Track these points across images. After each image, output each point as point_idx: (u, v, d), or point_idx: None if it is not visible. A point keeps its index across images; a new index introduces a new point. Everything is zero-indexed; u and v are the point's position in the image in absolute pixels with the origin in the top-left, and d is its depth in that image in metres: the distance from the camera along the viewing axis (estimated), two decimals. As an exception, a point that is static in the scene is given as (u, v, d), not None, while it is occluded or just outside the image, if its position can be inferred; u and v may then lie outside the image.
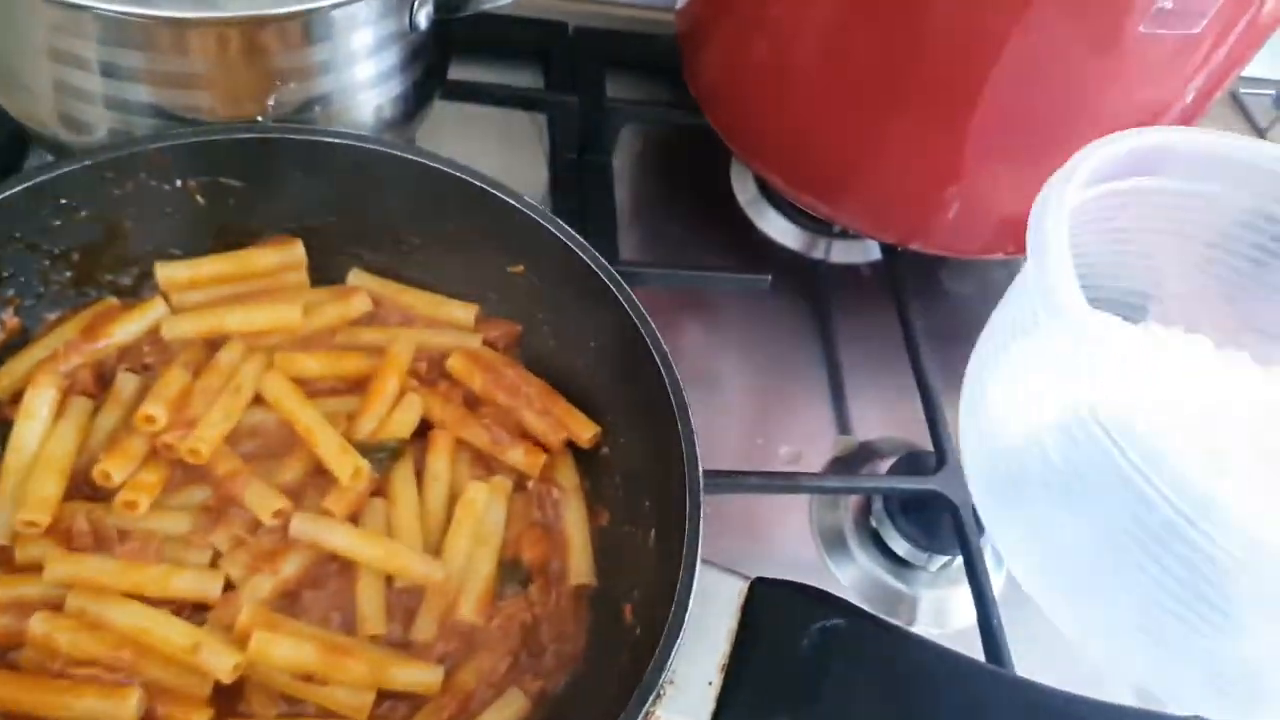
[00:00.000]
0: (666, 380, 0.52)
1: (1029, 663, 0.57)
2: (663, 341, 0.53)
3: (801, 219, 0.82)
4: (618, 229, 0.76)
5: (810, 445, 0.72)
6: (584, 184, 0.78)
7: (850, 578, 0.66)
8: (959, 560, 0.64)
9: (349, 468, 0.52)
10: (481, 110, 0.80)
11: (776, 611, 0.47)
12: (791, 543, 0.68)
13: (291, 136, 0.56)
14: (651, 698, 0.43)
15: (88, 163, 0.53)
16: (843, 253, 0.82)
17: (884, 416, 0.74)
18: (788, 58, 0.68)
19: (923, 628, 0.65)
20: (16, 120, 0.61)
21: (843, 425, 0.74)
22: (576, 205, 0.77)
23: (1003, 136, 0.64)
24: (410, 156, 0.57)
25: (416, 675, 0.49)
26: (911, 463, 0.66)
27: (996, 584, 0.62)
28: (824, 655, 0.45)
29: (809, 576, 0.65)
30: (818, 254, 0.82)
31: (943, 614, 0.65)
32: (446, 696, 0.49)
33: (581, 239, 0.56)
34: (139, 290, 0.58)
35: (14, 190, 0.51)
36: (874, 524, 0.66)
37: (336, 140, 0.57)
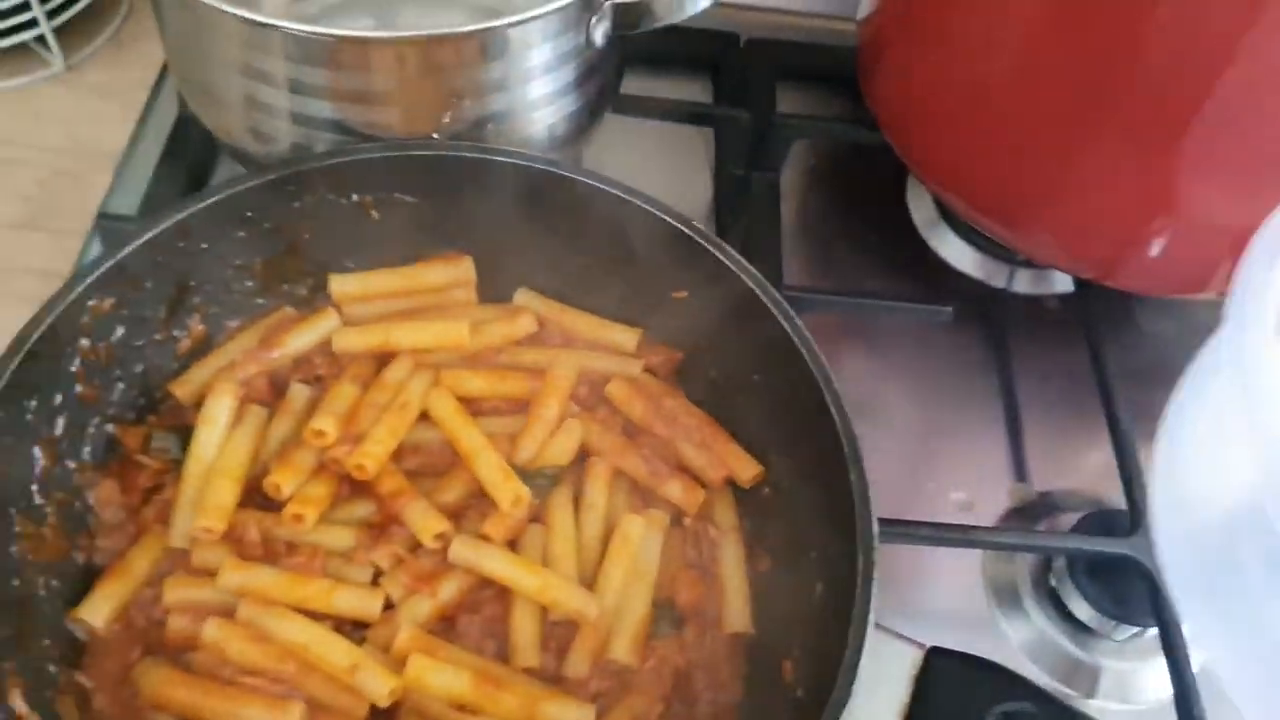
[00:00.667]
0: (840, 426, 0.49)
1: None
2: (835, 383, 0.50)
3: (983, 244, 0.77)
4: (782, 250, 0.73)
5: (984, 493, 0.67)
6: (750, 202, 0.76)
7: (1022, 639, 0.61)
8: (1150, 632, 0.58)
9: (510, 494, 0.51)
10: (647, 123, 0.78)
11: (954, 688, 0.44)
12: (960, 594, 0.63)
13: (465, 155, 0.56)
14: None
15: (272, 177, 0.54)
16: (1028, 283, 0.76)
17: (1066, 466, 0.68)
18: (979, 70, 0.63)
19: (1103, 702, 0.59)
20: (209, 130, 0.63)
21: (1019, 472, 0.69)
22: (742, 223, 0.75)
23: (1225, 160, 0.57)
24: (579, 178, 0.56)
25: (569, 713, 0.48)
26: (1101, 521, 0.60)
27: (1195, 663, 0.56)
28: (1005, 742, 0.42)
29: (977, 633, 0.62)
30: (999, 283, 0.77)
31: (1128, 688, 0.59)
32: (599, 738, 0.48)
33: (752, 269, 0.54)
34: (314, 301, 0.60)
35: (204, 204, 0.53)
36: (1053, 583, 0.61)
37: (507, 159, 0.56)
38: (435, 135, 0.57)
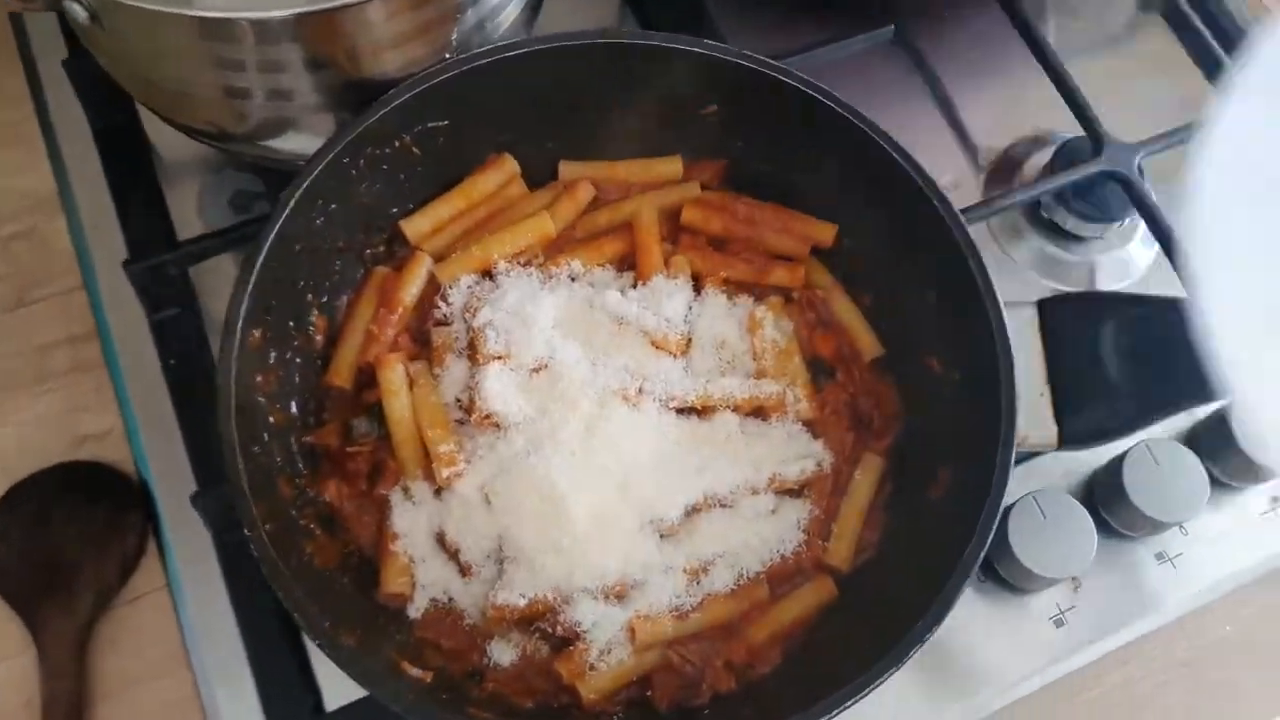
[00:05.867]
0: (888, 147, 0.58)
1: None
2: (879, 124, 0.59)
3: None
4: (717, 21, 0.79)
5: (960, 171, 0.79)
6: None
7: (1028, 259, 0.75)
8: (1128, 222, 0.73)
9: (676, 335, 0.59)
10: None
11: (1069, 323, 0.57)
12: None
13: (479, 63, 0.59)
14: (1015, 435, 0.53)
15: (329, 157, 0.56)
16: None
17: (1009, 121, 0.80)
18: None
19: (1106, 288, 0.75)
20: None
21: (976, 143, 0.80)
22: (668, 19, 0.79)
23: None
24: (579, 43, 0.60)
25: (796, 468, 0.59)
26: (1067, 153, 0.74)
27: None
28: (1124, 342, 0.55)
29: (995, 270, 0.75)
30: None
31: (1122, 269, 0.75)
32: (822, 479, 0.59)
33: (766, 59, 0.60)
34: (394, 250, 0.63)
35: (287, 211, 0.55)
36: (1045, 214, 0.75)
37: (521, 51, 0.59)
38: (448, 55, 0.59)
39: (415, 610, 0.55)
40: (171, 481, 0.64)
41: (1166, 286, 0.70)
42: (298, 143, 0.61)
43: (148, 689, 0.62)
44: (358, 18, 0.54)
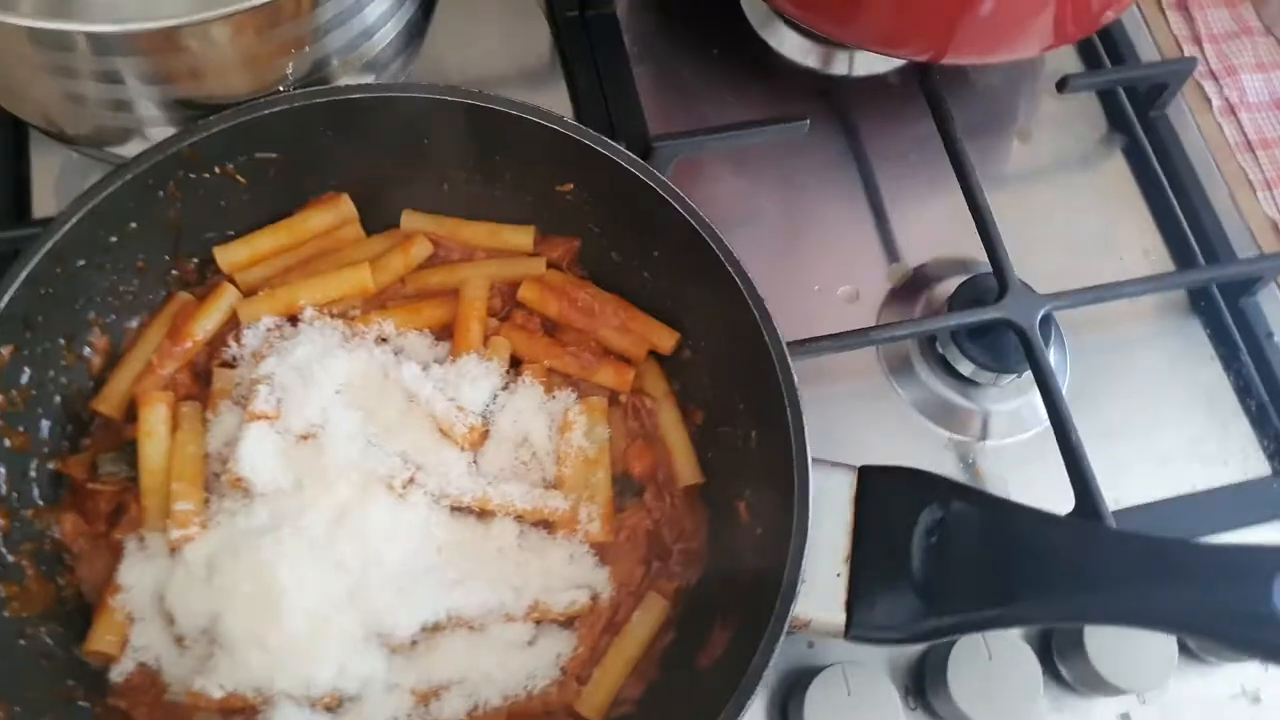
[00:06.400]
0: (741, 284, 0.53)
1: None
2: (723, 238, 0.54)
3: (818, 35, 0.78)
4: (635, 82, 0.74)
5: (866, 279, 0.73)
6: (592, 40, 0.75)
7: (915, 398, 0.69)
8: (1025, 375, 0.67)
9: (464, 427, 0.54)
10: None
11: (888, 501, 0.51)
12: (857, 373, 0.70)
13: (315, 101, 0.54)
14: (793, 602, 0.48)
15: (128, 177, 0.52)
16: (867, 64, 0.79)
17: (934, 237, 0.74)
18: None
19: (996, 441, 0.69)
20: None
21: (892, 252, 0.75)
22: (589, 66, 0.74)
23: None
24: (434, 96, 0.56)
25: (566, 598, 0.54)
26: (973, 290, 0.68)
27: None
28: (938, 535, 0.50)
29: (875, 401, 0.70)
30: (841, 69, 0.80)
31: (1013, 425, 0.69)
32: (595, 613, 0.54)
33: (627, 152, 0.55)
34: (206, 277, 0.59)
35: (68, 226, 0.51)
36: (940, 350, 0.69)
37: (364, 95, 0.55)
38: (282, 88, 0.54)
39: (118, 674, 0.51)
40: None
41: (1050, 462, 0.63)
42: (141, 149, 0.57)
43: None
44: (197, 35, 0.50)
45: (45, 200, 0.68)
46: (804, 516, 0.49)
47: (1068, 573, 0.47)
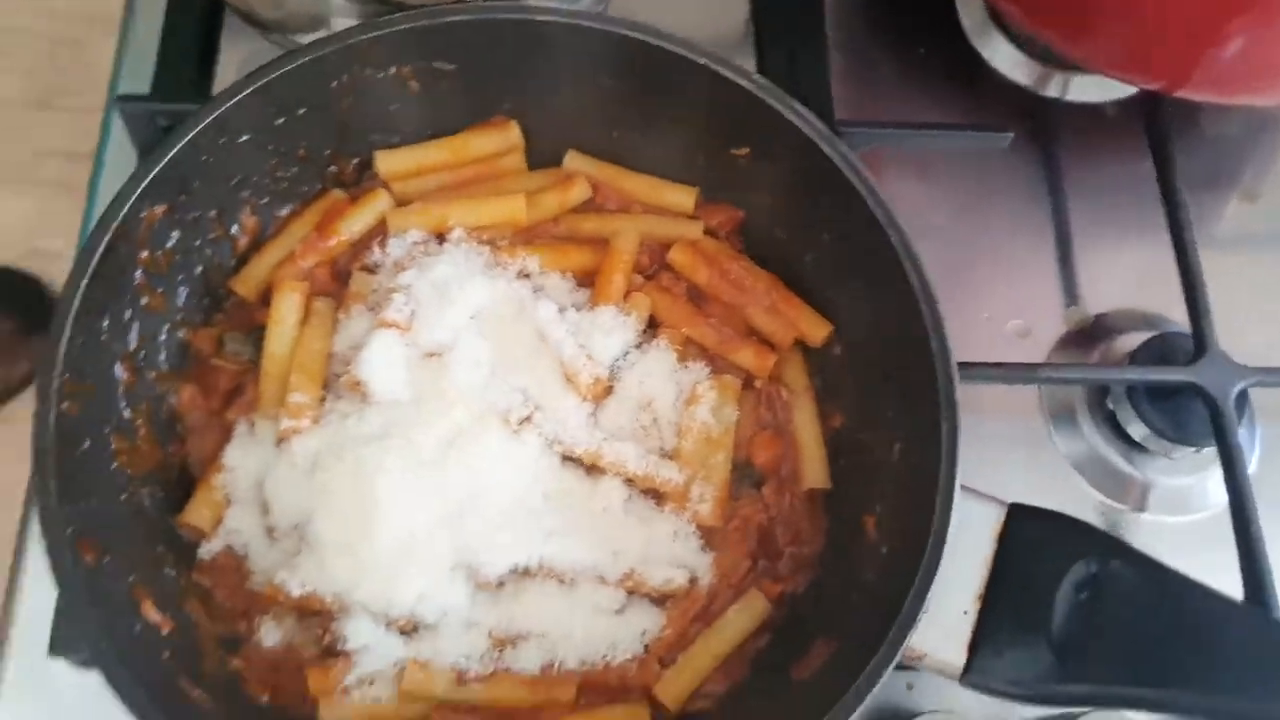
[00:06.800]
0: (917, 287, 0.49)
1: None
2: (913, 245, 0.49)
3: (1037, 51, 0.73)
4: (829, 68, 0.70)
5: (1040, 318, 0.67)
6: (792, 19, 0.72)
7: (1076, 455, 0.63)
8: (1205, 452, 0.60)
9: (589, 377, 0.52)
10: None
11: (1037, 545, 0.46)
12: (1014, 411, 0.65)
13: (500, 16, 0.53)
14: (911, 630, 0.43)
15: (306, 59, 0.51)
16: (1084, 91, 0.73)
17: (1123, 286, 0.68)
18: None
19: (1154, 515, 0.62)
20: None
21: (1071, 294, 0.68)
22: (784, 46, 0.71)
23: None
24: (622, 32, 0.53)
25: (663, 574, 0.50)
26: (1163, 347, 0.61)
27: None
28: (1088, 593, 0.44)
29: (1028, 446, 0.64)
30: (1053, 92, 0.74)
31: (1179, 502, 0.62)
32: (690, 597, 0.51)
33: (819, 124, 0.52)
34: (361, 180, 0.58)
35: (239, 96, 0.51)
36: (1110, 406, 0.63)
37: (550, 18, 0.53)
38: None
39: (207, 551, 0.50)
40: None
41: (1210, 552, 0.56)
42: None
43: (-22, 513, 0.60)
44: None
45: (228, 83, 0.69)
46: (940, 543, 0.44)
47: (1240, 664, 0.41)
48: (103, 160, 0.67)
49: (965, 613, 0.46)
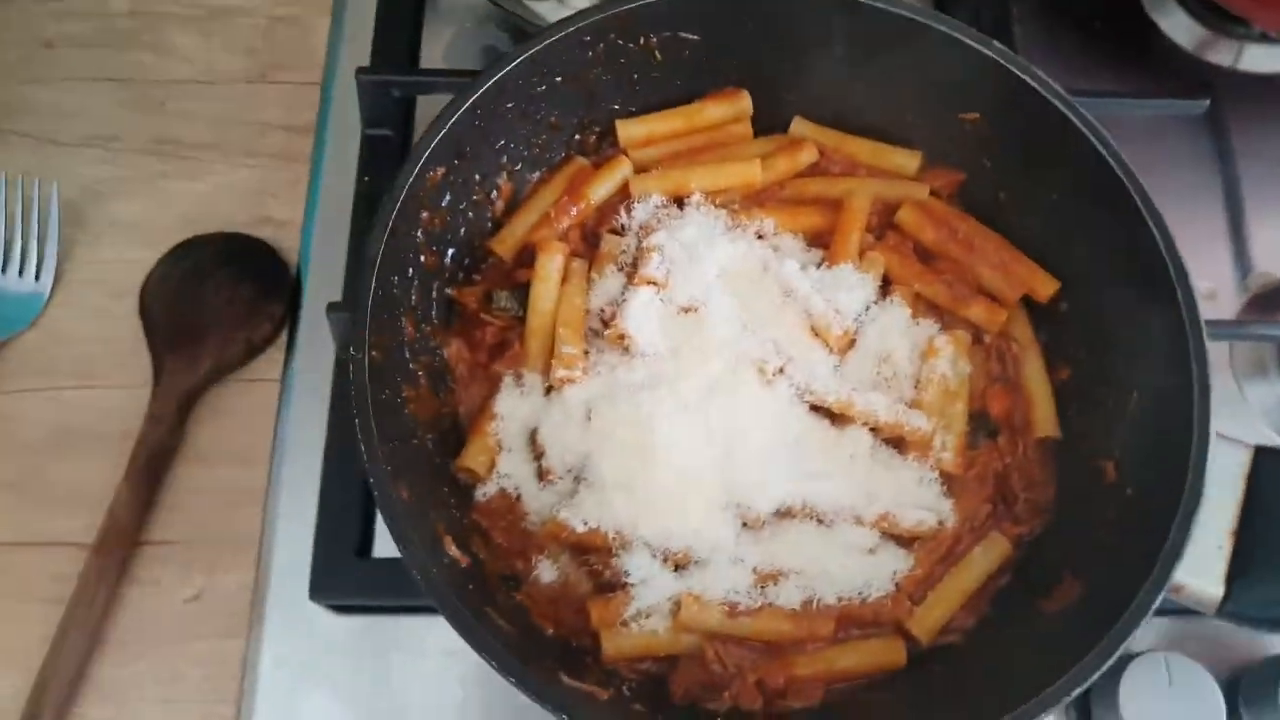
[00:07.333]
0: (1162, 245, 0.51)
1: None
2: (1154, 201, 0.52)
3: (1210, 16, 0.75)
4: (1015, 35, 0.72)
5: (1221, 282, 0.69)
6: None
7: (1268, 408, 0.65)
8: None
9: (839, 329, 0.55)
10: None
11: (1286, 486, 0.48)
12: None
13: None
14: (1175, 563, 0.46)
15: (571, 29, 0.55)
16: (1259, 60, 0.75)
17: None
18: None
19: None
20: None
21: (1244, 259, 0.70)
22: (966, 13, 0.73)
23: None
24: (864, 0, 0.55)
25: (915, 515, 0.53)
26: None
27: None
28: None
29: (1224, 405, 0.66)
30: (1226, 60, 0.76)
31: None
32: (937, 539, 0.54)
33: (1062, 90, 0.54)
34: (600, 148, 0.61)
35: (516, 62, 0.54)
36: (1301, 365, 0.65)
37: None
38: (724, -31, 0.56)
39: (483, 494, 0.54)
40: (322, 286, 0.65)
41: None
42: (558, 14, 0.60)
43: (226, 469, 0.64)
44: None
45: (434, 61, 0.73)
46: (1199, 479, 0.47)
47: None
48: (325, 131, 0.70)
49: (1220, 547, 0.48)
